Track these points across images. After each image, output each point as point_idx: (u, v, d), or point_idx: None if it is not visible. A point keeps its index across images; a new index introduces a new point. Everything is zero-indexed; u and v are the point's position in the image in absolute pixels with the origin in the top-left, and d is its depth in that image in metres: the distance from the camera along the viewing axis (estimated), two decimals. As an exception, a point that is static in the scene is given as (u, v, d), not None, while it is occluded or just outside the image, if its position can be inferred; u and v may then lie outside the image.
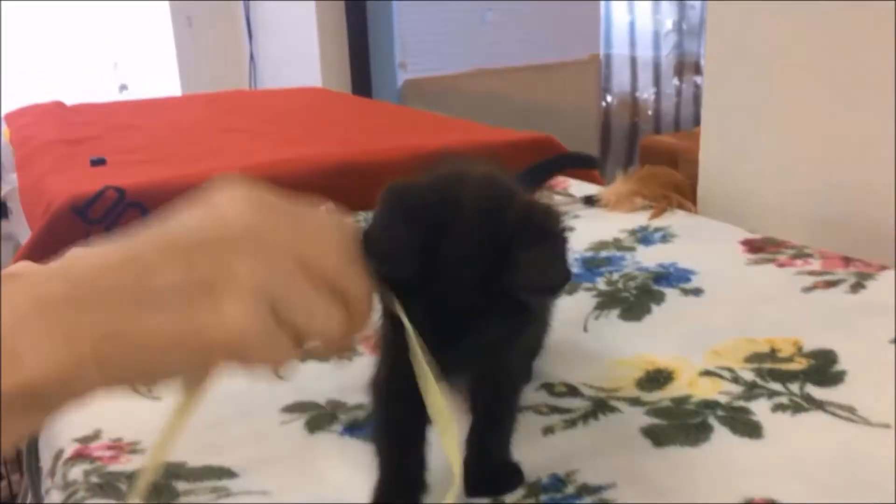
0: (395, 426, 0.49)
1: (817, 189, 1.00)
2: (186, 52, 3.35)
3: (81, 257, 0.35)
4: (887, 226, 0.91)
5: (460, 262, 0.41)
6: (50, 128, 1.75)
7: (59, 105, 2.19)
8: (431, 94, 3.02)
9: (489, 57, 3.15)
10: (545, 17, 3.27)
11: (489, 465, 0.52)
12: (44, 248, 1.01)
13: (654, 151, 2.64)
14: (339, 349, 0.41)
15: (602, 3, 3.58)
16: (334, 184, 1.12)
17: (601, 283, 0.82)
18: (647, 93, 3.77)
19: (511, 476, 0.51)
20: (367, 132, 1.60)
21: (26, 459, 0.79)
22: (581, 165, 0.85)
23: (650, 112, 3.79)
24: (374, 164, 1.17)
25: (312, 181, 1.15)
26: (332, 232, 0.39)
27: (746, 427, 0.55)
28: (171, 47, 3.34)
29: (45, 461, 0.59)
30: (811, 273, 0.79)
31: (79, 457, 0.54)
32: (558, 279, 0.42)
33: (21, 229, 1.52)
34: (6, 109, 2.26)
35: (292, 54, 3.02)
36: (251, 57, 3.33)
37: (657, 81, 3.77)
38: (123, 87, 3.28)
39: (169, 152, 1.43)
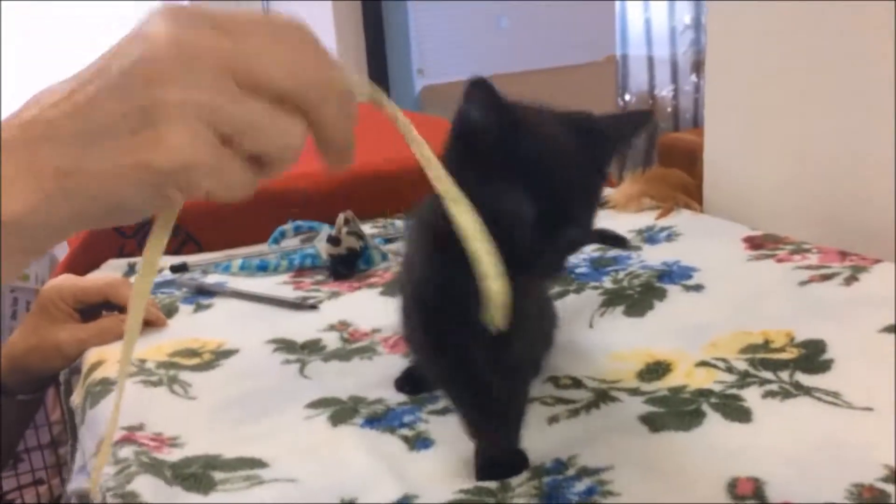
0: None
1: (821, 186, 1.03)
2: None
3: (36, 99, 0.36)
4: (890, 222, 0.94)
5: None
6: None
7: None
8: (450, 100, 3.06)
9: (506, 62, 3.19)
10: (561, 21, 3.30)
11: (498, 452, 0.56)
12: (82, 262, 1.07)
13: (673, 149, 2.65)
14: (338, 158, 0.39)
15: (617, 3, 3.60)
16: (353, 193, 1.17)
17: (607, 282, 0.86)
18: (665, 90, 3.78)
19: (517, 462, 0.55)
20: (386, 141, 1.65)
21: (70, 459, 0.84)
22: (613, 244, 0.92)
23: (669, 110, 3.80)
24: (391, 172, 1.22)
25: (331, 191, 1.19)
26: (279, 33, 0.36)
27: (737, 412, 0.59)
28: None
29: (89, 448, 0.64)
30: (808, 268, 0.83)
31: (126, 441, 0.59)
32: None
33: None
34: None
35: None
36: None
37: (675, 79, 3.79)
38: None
39: None
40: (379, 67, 2.99)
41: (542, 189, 0.46)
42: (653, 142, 3.53)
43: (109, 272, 1.02)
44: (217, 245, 1.11)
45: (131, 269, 1.03)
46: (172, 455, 0.59)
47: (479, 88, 0.47)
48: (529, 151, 0.47)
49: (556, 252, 0.49)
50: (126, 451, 0.58)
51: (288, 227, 1.11)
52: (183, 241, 1.12)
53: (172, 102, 0.33)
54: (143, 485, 0.53)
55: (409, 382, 0.68)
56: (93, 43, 3.21)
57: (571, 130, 0.49)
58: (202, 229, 1.12)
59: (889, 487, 0.49)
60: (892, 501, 0.47)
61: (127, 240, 1.08)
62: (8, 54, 3.00)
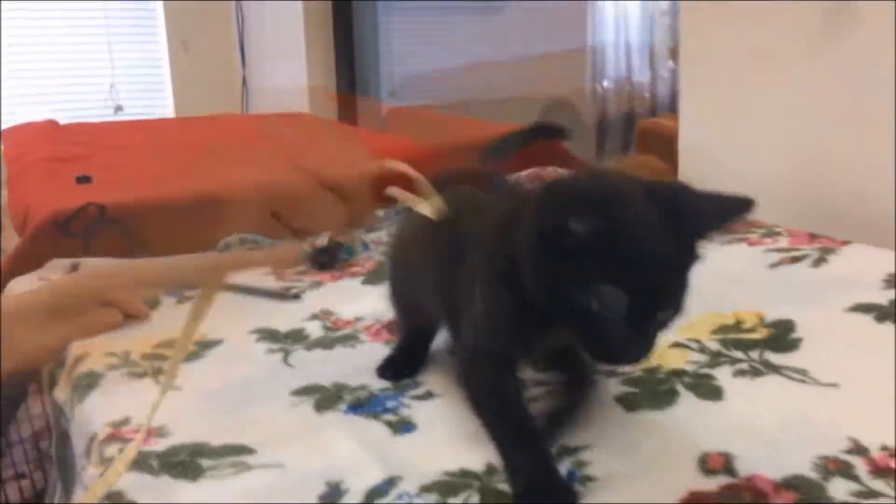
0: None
1: (797, 172, 1.05)
2: (181, 75, 3.37)
3: None
4: (861, 204, 0.96)
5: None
6: (41, 146, 1.81)
7: (52, 124, 2.25)
8: (425, 89, 3.07)
9: (483, 52, 3.20)
10: (536, 10, 3.30)
11: None
12: (25, 259, 1.06)
13: (651, 134, 2.67)
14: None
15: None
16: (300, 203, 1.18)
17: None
18: (642, 77, 3.81)
19: None
20: (341, 155, 1.67)
21: (55, 451, 0.85)
22: (550, 135, 0.87)
23: (646, 95, 3.83)
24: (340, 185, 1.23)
25: (279, 201, 1.21)
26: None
27: (709, 391, 0.61)
28: (167, 70, 3.38)
29: (79, 445, 0.65)
30: (779, 250, 0.85)
31: (112, 438, 0.60)
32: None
33: (11, 244, 1.59)
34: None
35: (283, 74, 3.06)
36: (244, 81, 3.35)
37: (652, 65, 3.81)
38: (118, 109, 3.33)
39: (153, 172, 1.50)
40: (350, 89, 2.97)
41: (638, 284, 0.47)
42: (631, 127, 3.56)
43: (52, 271, 1.01)
44: (161, 250, 1.09)
45: (73, 269, 1.03)
46: (159, 445, 0.60)
47: (587, 204, 0.47)
48: (628, 253, 0.47)
49: (647, 337, 0.50)
50: (111, 450, 0.59)
51: (233, 238, 1.11)
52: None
53: None
54: (129, 482, 0.55)
55: (390, 369, 0.69)
56: (88, 64, 3.22)
57: (666, 212, 0.48)
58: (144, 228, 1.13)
59: (853, 459, 0.51)
60: (856, 472, 0.49)
61: (72, 239, 1.08)
62: (5, 76, 3.00)
